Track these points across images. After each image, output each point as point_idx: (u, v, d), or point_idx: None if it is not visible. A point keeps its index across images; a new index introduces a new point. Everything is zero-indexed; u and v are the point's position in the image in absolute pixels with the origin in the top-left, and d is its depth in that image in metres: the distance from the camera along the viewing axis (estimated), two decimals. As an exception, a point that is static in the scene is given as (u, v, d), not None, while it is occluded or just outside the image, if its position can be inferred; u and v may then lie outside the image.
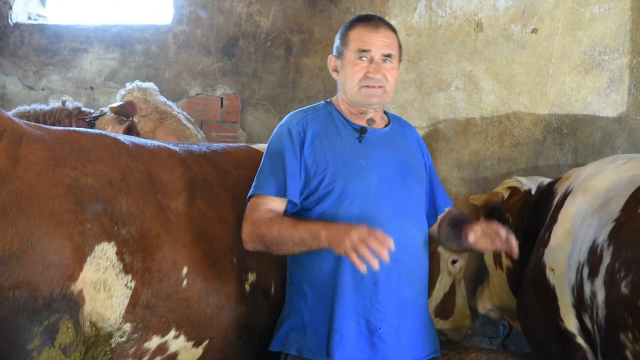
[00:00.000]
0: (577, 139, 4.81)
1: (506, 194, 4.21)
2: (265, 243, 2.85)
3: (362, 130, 2.99)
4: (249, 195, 2.96)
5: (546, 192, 3.93)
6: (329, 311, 2.86)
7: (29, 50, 5.66)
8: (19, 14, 5.74)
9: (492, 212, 4.19)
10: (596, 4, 4.75)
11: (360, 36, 2.96)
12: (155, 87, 4.48)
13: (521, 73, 4.88)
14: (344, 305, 2.85)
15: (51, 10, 6.02)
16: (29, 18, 5.81)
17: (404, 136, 3.12)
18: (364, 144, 2.97)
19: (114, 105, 4.28)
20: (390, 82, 2.97)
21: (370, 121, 3.03)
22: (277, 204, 2.91)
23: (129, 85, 4.41)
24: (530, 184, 4.17)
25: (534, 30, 4.86)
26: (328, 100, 3.12)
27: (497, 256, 4.23)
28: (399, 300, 2.88)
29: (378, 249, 2.56)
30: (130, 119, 4.17)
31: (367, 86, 2.94)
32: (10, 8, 5.68)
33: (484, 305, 4.46)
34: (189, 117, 4.55)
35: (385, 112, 3.17)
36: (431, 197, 3.14)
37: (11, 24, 5.68)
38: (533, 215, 3.95)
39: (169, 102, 4.48)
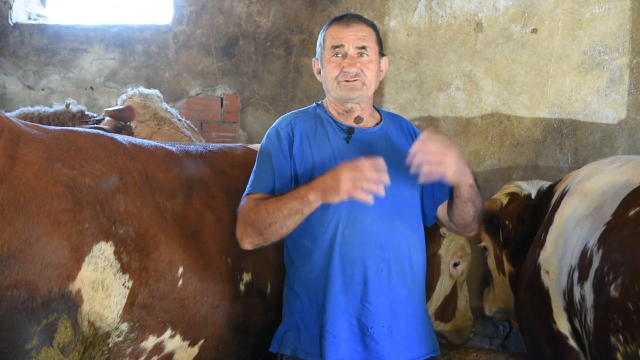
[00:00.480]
0: (577, 139, 4.81)
1: (505, 200, 4.19)
2: (258, 230, 2.84)
3: (349, 131, 2.99)
4: (244, 194, 2.98)
5: (546, 194, 3.91)
6: (321, 312, 2.87)
7: (29, 50, 5.66)
8: (19, 14, 5.75)
9: (491, 219, 4.19)
10: (596, 4, 4.74)
11: (333, 33, 2.99)
12: (159, 94, 4.44)
13: (521, 73, 4.88)
14: (335, 306, 2.85)
15: (51, 10, 6.02)
16: (29, 18, 5.81)
17: (398, 133, 3.10)
18: (352, 144, 2.97)
19: (111, 109, 4.27)
20: (368, 76, 2.97)
21: (358, 119, 3.02)
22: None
23: (130, 91, 4.39)
24: (530, 188, 4.15)
25: (534, 30, 4.86)
26: (319, 102, 3.13)
27: (499, 262, 4.23)
28: (391, 300, 2.87)
29: (376, 182, 2.64)
30: (128, 123, 4.16)
31: (345, 80, 2.95)
32: (10, 8, 5.69)
33: (490, 308, 4.48)
34: (191, 125, 4.52)
35: (378, 110, 3.17)
36: (430, 189, 3.09)
37: (11, 24, 5.69)
38: (533, 218, 3.94)
39: (172, 110, 4.45)
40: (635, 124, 4.72)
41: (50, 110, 4.40)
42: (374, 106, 3.17)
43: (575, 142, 4.81)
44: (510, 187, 4.26)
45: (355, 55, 2.95)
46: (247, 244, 2.90)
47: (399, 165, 2.99)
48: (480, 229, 4.39)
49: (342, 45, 2.95)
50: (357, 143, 2.97)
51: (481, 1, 4.95)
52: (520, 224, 4.05)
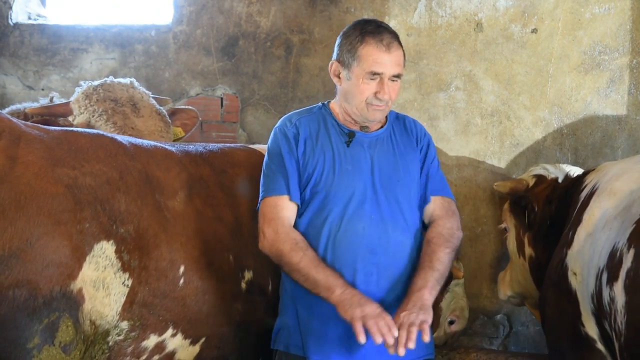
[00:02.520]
0: (577, 139, 4.81)
1: (531, 182, 4.16)
2: (281, 261, 2.88)
3: (350, 135, 3.00)
4: (260, 198, 2.99)
5: (578, 181, 3.83)
6: (310, 312, 2.91)
7: (29, 50, 5.66)
8: (19, 14, 5.74)
9: (518, 199, 4.16)
10: (596, 4, 4.75)
11: (372, 55, 2.91)
12: (126, 82, 4.27)
13: (521, 73, 4.88)
14: (324, 308, 2.86)
15: (51, 10, 6.01)
16: (29, 18, 5.81)
17: (402, 135, 3.11)
18: (352, 148, 2.98)
19: (36, 106, 4.17)
20: (393, 99, 2.97)
21: (364, 128, 3.04)
22: (290, 208, 2.95)
23: (84, 84, 4.27)
24: (557, 172, 4.12)
25: (534, 30, 4.86)
26: (325, 102, 3.13)
27: (520, 244, 4.19)
28: (379, 304, 2.85)
29: (384, 333, 2.65)
30: (68, 118, 4.09)
31: (373, 104, 2.94)
32: (10, 8, 5.68)
33: (505, 292, 4.45)
34: (162, 113, 4.30)
35: None
36: (424, 185, 3.10)
37: (11, 24, 5.68)
38: (562, 201, 3.87)
39: (142, 99, 4.22)
40: (635, 124, 4.72)
41: (36, 105, 4.38)
42: None
43: (575, 142, 4.81)
44: (537, 169, 4.23)
45: (389, 82, 2.92)
46: (266, 252, 2.94)
47: (396, 170, 3.00)
48: (503, 209, 4.41)
49: (383, 73, 2.90)
50: (358, 147, 2.99)
51: (481, 1, 4.95)
52: (547, 206, 4.01)
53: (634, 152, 4.67)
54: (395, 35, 2.98)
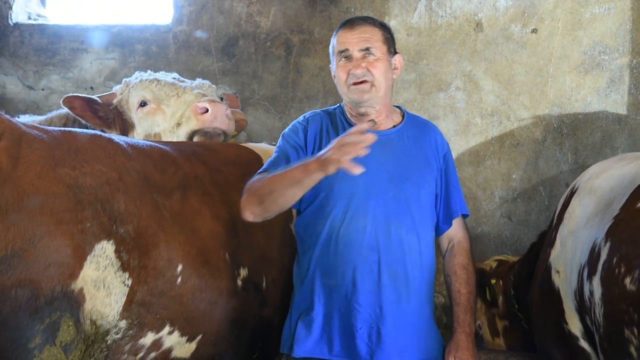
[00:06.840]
0: (577, 139, 4.81)
1: (494, 265, 4.21)
2: (259, 197, 2.82)
3: None
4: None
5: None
6: (311, 309, 2.93)
7: (29, 50, 5.66)
8: (19, 14, 5.74)
9: (480, 276, 4.12)
10: (596, 4, 4.75)
11: (339, 39, 3.04)
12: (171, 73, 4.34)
13: (521, 73, 4.89)
14: (327, 305, 2.91)
15: (51, 10, 6.02)
16: (29, 18, 5.81)
17: (417, 138, 3.11)
18: None
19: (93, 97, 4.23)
20: (376, 76, 2.99)
21: (372, 122, 3.03)
22: None
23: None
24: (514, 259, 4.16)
25: (534, 30, 4.87)
26: (342, 103, 3.17)
27: (493, 327, 4.15)
28: (380, 302, 2.90)
29: (357, 147, 2.61)
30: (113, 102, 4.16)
31: (353, 83, 2.98)
32: (10, 8, 5.68)
33: None
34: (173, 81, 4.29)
35: (405, 113, 3.19)
36: (446, 200, 3.13)
37: (11, 24, 5.68)
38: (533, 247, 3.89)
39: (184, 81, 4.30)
40: (635, 124, 4.72)
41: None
42: (401, 109, 3.20)
43: (575, 142, 4.81)
44: (498, 257, 4.30)
45: (360, 57, 2.98)
46: (249, 214, 2.88)
47: (406, 169, 3.01)
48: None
49: (347, 49, 2.99)
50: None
51: (481, 1, 4.95)
52: (507, 281, 4.04)
53: (634, 152, 4.67)
54: (367, 19, 3.07)
